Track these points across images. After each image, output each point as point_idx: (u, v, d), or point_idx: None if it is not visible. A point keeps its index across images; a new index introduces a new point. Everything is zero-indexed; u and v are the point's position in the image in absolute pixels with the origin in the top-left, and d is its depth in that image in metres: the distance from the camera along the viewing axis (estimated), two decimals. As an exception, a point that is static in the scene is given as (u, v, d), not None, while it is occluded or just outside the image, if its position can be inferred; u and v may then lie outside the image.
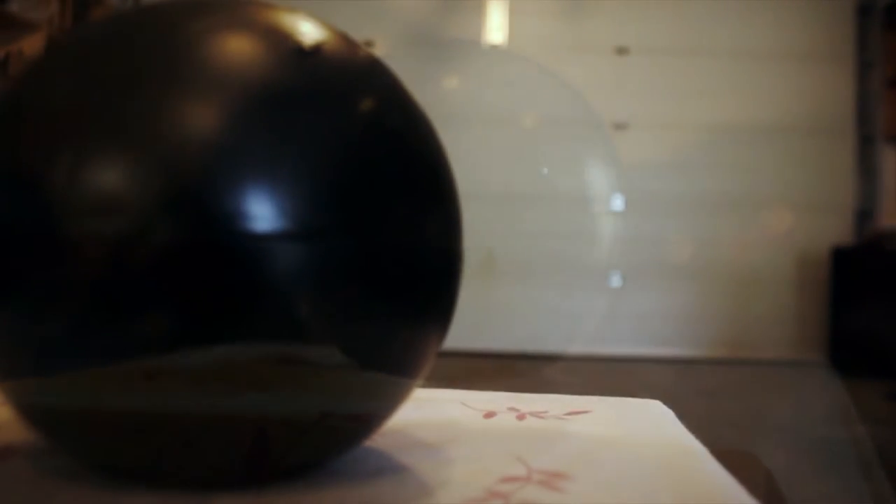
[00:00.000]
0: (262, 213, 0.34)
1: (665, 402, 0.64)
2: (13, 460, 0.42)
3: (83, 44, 0.39)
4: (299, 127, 0.36)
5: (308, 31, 0.40)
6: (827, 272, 3.75)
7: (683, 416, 0.60)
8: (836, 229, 3.91)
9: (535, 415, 0.59)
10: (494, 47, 3.96)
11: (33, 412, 0.39)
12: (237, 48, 0.38)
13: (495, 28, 3.90)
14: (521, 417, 0.58)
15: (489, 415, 0.59)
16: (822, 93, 3.95)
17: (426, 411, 0.58)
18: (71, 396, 0.36)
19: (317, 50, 0.39)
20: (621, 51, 3.98)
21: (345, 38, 0.42)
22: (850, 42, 3.98)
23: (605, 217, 3.99)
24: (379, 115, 0.39)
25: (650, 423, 0.58)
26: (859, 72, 3.98)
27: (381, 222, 0.37)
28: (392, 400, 0.42)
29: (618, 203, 3.98)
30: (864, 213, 3.97)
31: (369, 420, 0.42)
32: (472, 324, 3.75)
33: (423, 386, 0.55)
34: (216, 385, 0.35)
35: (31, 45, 3.09)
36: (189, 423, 0.36)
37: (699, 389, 3.13)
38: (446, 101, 3.89)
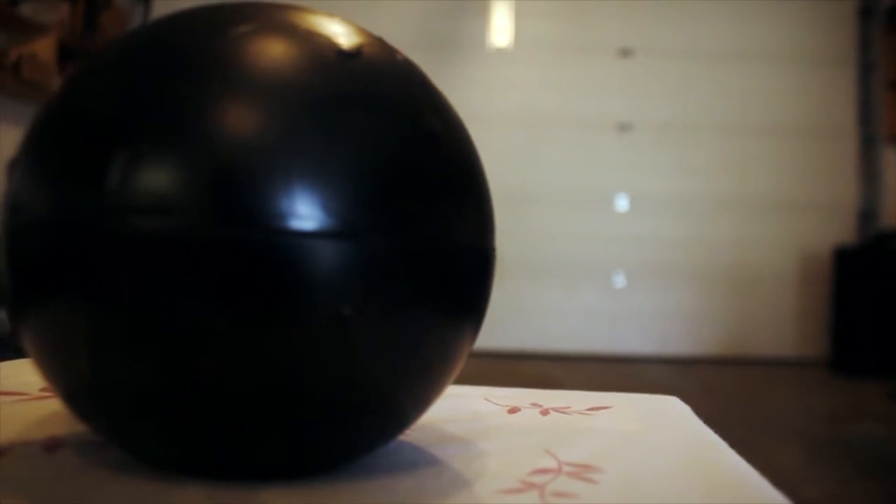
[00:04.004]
0: (307, 212, 0.35)
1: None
2: (61, 452, 0.43)
3: (132, 48, 0.40)
4: (344, 128, 0.37)
5: (347, 34, 0.41)
6: (829, 272, 3.77)
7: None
8: (839, 229, 3.92)
9: (557, 410, 0.60)
10: (500, 49, 3.97)
11: (81, 404, 0.40)
12: (281, 51, 0.39)
13: (500, 30, 3.91)
14: (544, 413, 0.59)
15: (513, 410, 0.60)
16: (825, 94, 3.97)
17: (451, 406, 0.59)
18: (118, 389, 0.37)
19: (357, 53, 0.40)
20: (625, 52, 3.99)
21: (381, 42, 0.43)
22: (852, 44, 4.00)
23: (610, 217, 3.99)
24: (418, 116, 0.40)
25: (670, 418, 0.59)
26: (861, 74, 4.00)
27: (422, 222, 0.38)
28: (427, 396, 0.43)
29: (622, 203, 3.99)
30: (867, 214, 3.98)
31: (405, 415, 0.43)
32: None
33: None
34: (260, 379, 0.36)
35: (43, 47, 3.11)
36: (234, 415, 0.37)
37: (703, 388, 3.14)
38: (453, 103, 3.90)
